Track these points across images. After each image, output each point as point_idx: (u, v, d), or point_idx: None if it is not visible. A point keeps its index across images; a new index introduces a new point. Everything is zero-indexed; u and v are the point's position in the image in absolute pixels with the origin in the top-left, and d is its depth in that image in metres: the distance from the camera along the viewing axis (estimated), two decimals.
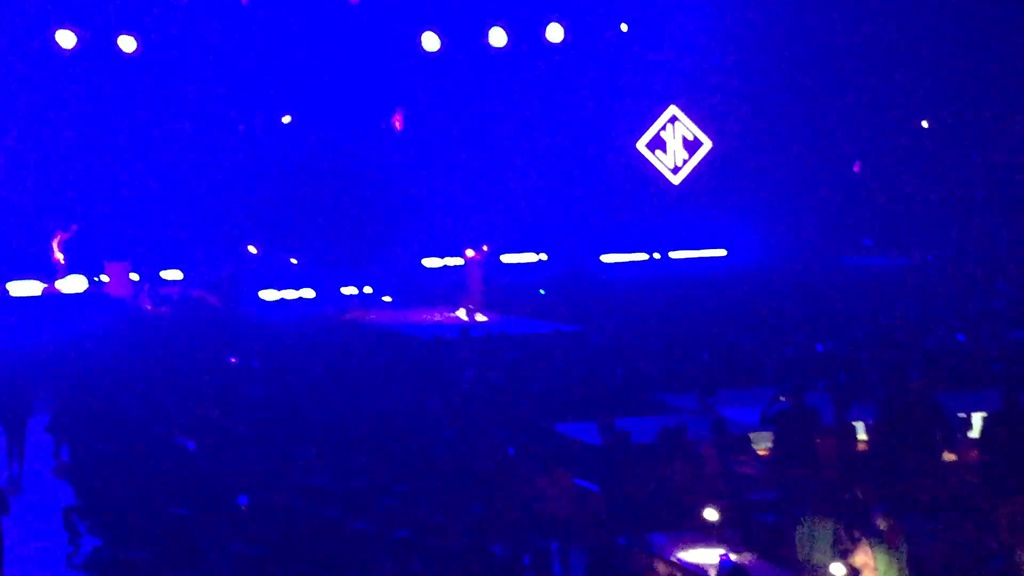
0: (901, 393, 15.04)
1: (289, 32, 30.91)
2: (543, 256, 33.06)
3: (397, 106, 31.78)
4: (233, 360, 20.68)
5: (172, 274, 30.14)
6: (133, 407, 17.10)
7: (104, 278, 28.77)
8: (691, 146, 35.22)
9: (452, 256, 31.74)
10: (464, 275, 27.69)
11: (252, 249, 30.25)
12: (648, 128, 34.93)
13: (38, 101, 29.63)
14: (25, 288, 27.86)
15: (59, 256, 27.73)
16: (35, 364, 21.49)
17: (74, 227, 27.76)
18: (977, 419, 14.77)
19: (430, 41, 31.66)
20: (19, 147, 29.60)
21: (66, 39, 29.27)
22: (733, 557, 11.16)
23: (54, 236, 27.81)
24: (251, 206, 31.06)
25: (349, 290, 29.89)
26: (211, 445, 15.15)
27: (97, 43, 29.67)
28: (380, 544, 11.11)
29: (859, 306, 26.26)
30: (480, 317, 26.59)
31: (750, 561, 11.38)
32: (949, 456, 14.54)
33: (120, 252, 28.82)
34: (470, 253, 27.51)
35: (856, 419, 14.73)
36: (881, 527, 10.39)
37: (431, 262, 32.06)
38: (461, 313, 26.75)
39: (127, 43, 29.72)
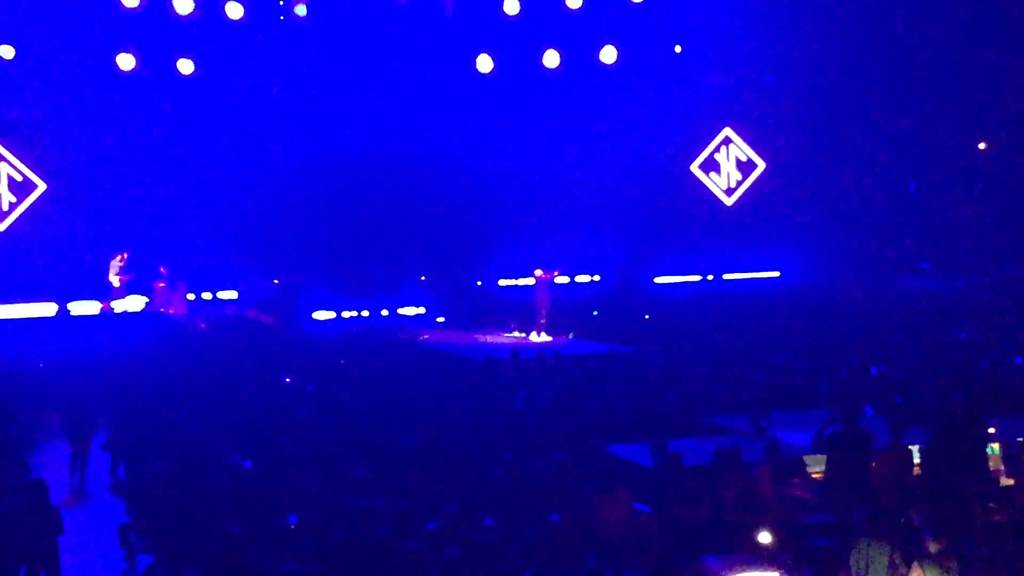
0: (952, 416, 14.88)
1: (344, 55, 31.14)
2: (596, 277, 33.05)
3: None
4: (288, 380, 20.80)
5: (227, 294, 30.45)
6: (188, 425, 17.25)
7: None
8: (745, 167, 35.15)
9: (505, 277, 31.87)
10: (533, 295, 27.73)
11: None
12: (702, 150, 34.90)
13: (99, 123, 30.02)
14: (85, 308, 28.19)
15: (114, 280, 28.04)
16: (98, 382, 21.75)
17: (126, 254, 28.08)
18: None
19: (484, 63, 31.79)
20: (79, 168, 29.99)
21: (126, 62, 29.68)
22: None
23: (111, 260, 28.12)
24: (307, 227, 31.28)
25: (404, 311, 30.03)
26: (265, 464, 15.24)
27: (156, 66, 30.05)
28: (430, 564, 11.12)
29: (914, 328, 26.04)
30: (544, 337, 26.62)
31: None
32: (1007, 480, 14.38)
33: (176, 272, 29.09)
34: (539, 273, 27.52)
35: (912, 442, 14.59)
36: (932, 550, 10.28)
37: (486, 283, 32.17)
38: (533, 336, 26.76)
39: (185, 66, 30.09)
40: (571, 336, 27.23)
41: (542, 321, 27.06)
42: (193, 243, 30.08)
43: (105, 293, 28.19)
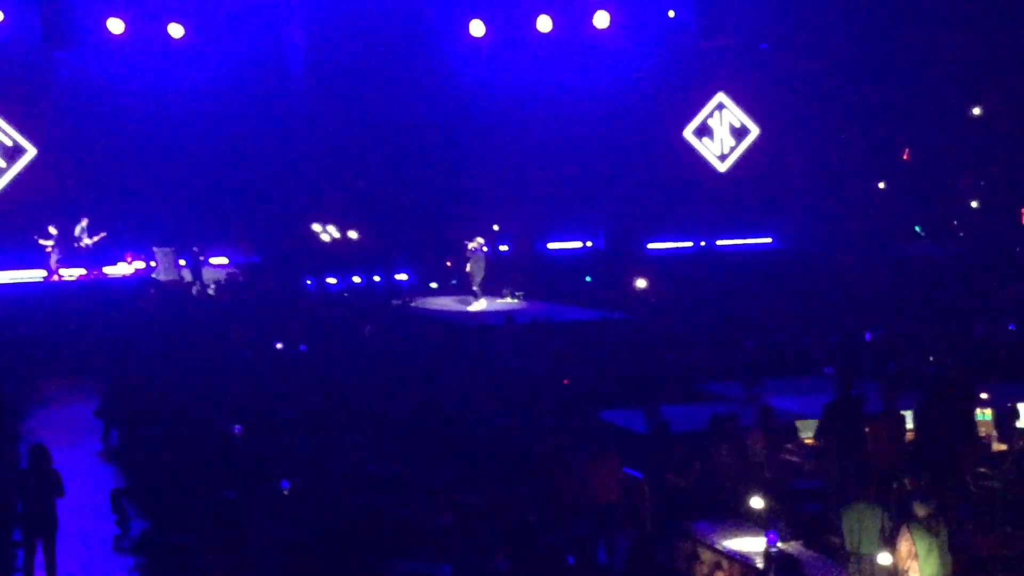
0: (943, 381, 14.89)
1: (335, 21, 30.93)
2: (589, 243, 33.00)
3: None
4: (280, 345, 20.77)
5: (219, 260, 30.38)
6: (181, 392, 17.22)
7: (153, 263, 29.00)
8: (738, 133, 35.06)
9: (500, 243, 31.76)
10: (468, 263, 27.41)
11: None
12: (695, 115, 34.78)
13: (90, 88, 29.84)
14: (74, 273, 28.11)
15: (88, 242, 27.97)
16: (90, 348, 21.74)
17: (86, 220, 28.10)
18: None
19: (477, 27, 31.61)
20: (70, 134, 29.83)
21: (116, 26, 29.47)
22: (780, 545, 11.07)
23: (74, 228, 28.06)
24: (299, 192, 31.20)
25: (398, 276, 30.00)
26: (257, 430, 15.23)
27: (146, 30, 29.85)
28: (422, 529, 11.13)
29: (908, 294, 26.03)
30: (482, 304, 26.38)
31: (796, 550, 11.31)
32: (999, 446, 14.40)
33: (168, 238, 29.00)
34: (480, 241, 27.25)
35: (905, 408, 14.59)
36: (920, 514, 10.28)
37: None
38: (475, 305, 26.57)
39: (175, 30, 29.90)
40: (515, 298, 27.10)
41: (476, 289, 26.75)
42: (186, 208, 29.98)
43: (93, 260, 28.15)
